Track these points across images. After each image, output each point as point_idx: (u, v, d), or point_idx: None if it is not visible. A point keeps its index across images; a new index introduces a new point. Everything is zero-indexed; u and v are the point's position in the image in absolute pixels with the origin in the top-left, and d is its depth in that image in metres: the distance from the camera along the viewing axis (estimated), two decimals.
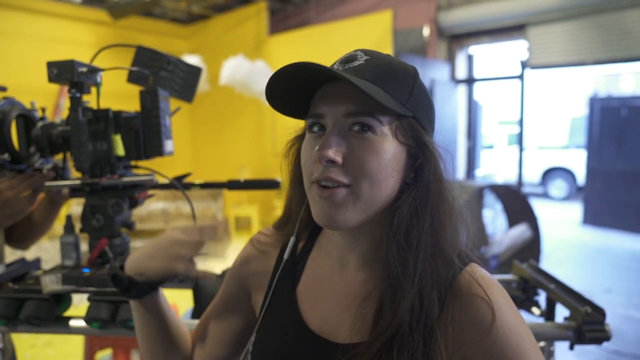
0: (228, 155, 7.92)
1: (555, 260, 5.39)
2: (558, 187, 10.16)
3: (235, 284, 0.84)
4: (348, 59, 0.65)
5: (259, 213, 7.11)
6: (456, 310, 0.61)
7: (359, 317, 0.65)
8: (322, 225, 0.65)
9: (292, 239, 0.77)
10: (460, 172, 6.87)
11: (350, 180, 0.61)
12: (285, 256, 0.77)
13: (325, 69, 0.58)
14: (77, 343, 3.28)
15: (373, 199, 0.62)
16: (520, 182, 6.39)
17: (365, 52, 0.66)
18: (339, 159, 0.60)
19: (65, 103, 6.25)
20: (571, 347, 1.07)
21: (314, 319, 0.71)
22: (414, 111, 0.64)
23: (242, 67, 5.94)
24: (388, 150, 0.61)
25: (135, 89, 1.21)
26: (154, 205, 6.64)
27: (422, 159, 0.64)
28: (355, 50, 0.66)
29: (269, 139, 7.42)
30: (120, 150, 1.10)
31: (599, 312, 1.02)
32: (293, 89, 0.65)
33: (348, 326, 0.66)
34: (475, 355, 0.60)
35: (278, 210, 6.88)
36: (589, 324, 1.01)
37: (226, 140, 8.04)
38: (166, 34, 8.00)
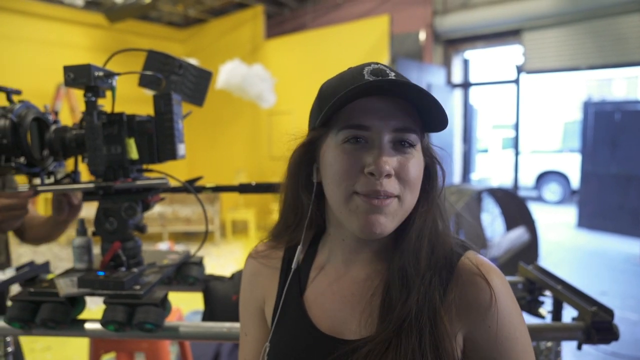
0: (224, 159, 7.92)
1: (551, 263, 5.43)
2: (552, 190, 10.24)
3: (257, 313, 0.83)
4: (381, 73, 0.66)
5: (255, 217, 7.11)
6: (458, 293, 0.66)
7: (367, 313, 0.69)
8: (363, 236, 0.66)
9: (299, 248, 0.78)
10: (457, 176, 6.91)
11: (399, 191, 0.65)
12: (294, 266, 0.77)
13: (422, 90, 0.61)
14: (75, 348, 3.27)
15: (410, 207, 0.67)
16: (515, 186, 6.44)
17: (385, 66, 0.68)
18: (393, 172, 0.63)
19: (62, 106, 6.23)
20: (579, 347, 1.09)
21: (324, 321, 0.72)
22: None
23: (238, 71, 5.95)
24: (421, 163, 0.68)
25: (139, 94, 1.21)
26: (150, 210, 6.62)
27: (434, 169, 0.71)
28: (377, 64, 0.68)
29: (265, 143, 7.43)
30: (134, 153, 1.10)
31: (607, 312, 1.04)
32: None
33: (357, 323, 0.69)
34: (474, 335, 0.65)
35: (275, 215, 6.80)
36: (597, 324, 1.03)
37: (222, 144, 8.04)
38: (162, 38, 8.00)
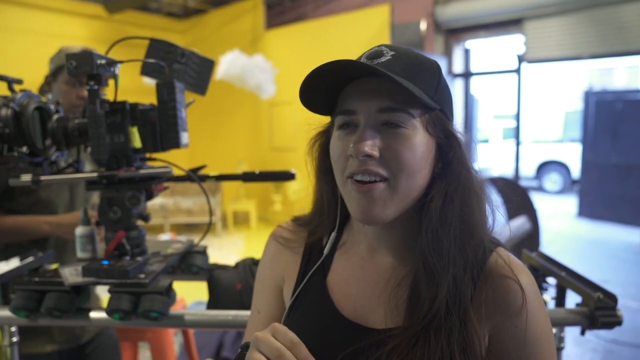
0: (225, 150, 7.90)
1: (552, 252, 5.37)
2: (553, 180, 10.24)
3: (275, 291, 0.82)
4: (375, 55, 0.66)
5: (257, 208, 7.11)
6: (489, 291, 0.64)
7: (393, 303, 0.67)
8: (360, 222, 0.67)
9: (334, 235, 0.77)
10: None
11: (388, 173, 0.62)
12: (326, 251, 0.76)
13: (366, 65, 0.59)
14: None
15: (409, 191, 0.64)
16: (516, 176, 6.43)
17: (390, 47, 0.67)
18: (375, 153, 0.61)
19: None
20: (582, 333, 1.09)
21: (348, 306, 0.71)
22: (440, 104, 0.66)
23: (237, 62, 5.92)
24: (420, 143, 0.63)
25: (141, 85, 1.20)
26: (152, 200, 6.63)
27: (451, 150, 0.66)
28: (379, 46, 0.67)
29: (267, 134, 7.41)
30: (137, 142, 1.10)
31: (611, 298, 1.05)
32: (321, 87, 0.66)
33: (382, 312, 0.68)
34: (501, 335, 0.64)
35: (276, 205, 6.87)
36: (601, 310, 1.04)
37: (224, 135, 8.02)
38: (162, 29, 7.95)
